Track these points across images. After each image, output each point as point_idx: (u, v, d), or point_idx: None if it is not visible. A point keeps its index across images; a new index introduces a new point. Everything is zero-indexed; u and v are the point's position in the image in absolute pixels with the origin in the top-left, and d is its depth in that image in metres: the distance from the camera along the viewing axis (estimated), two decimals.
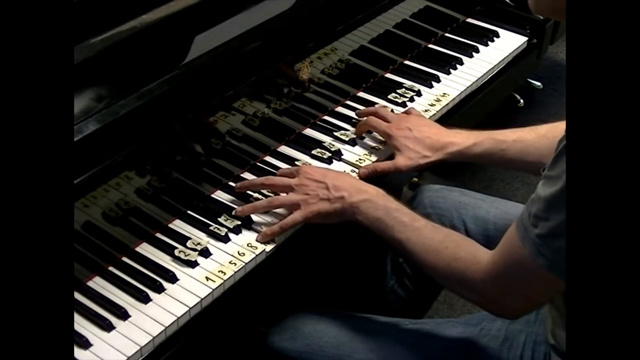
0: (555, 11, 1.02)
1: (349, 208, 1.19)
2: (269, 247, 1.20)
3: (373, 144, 1.41)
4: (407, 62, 1.65)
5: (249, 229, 1.23)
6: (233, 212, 1.24)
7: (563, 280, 0.91)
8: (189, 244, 1.19)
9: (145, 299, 1.12)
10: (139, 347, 1.06)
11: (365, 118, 1.43)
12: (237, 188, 1.28)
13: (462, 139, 1.33)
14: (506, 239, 1.02)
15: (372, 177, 1.33)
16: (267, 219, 1.24)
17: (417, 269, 1.20)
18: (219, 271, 1.16)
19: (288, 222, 1.20)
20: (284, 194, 1.24)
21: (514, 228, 0.99)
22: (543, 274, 0.94)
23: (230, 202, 1.28)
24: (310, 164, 1.34)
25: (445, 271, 1.09)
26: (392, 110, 1.48)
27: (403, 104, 1.52)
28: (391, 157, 1.37)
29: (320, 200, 1.20)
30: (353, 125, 1.45)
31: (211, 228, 1.22)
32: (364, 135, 1.43)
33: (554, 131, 1.25)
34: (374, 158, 1.38)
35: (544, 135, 1.27)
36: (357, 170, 1.35)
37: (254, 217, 1.24)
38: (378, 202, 1.18)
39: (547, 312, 1.15)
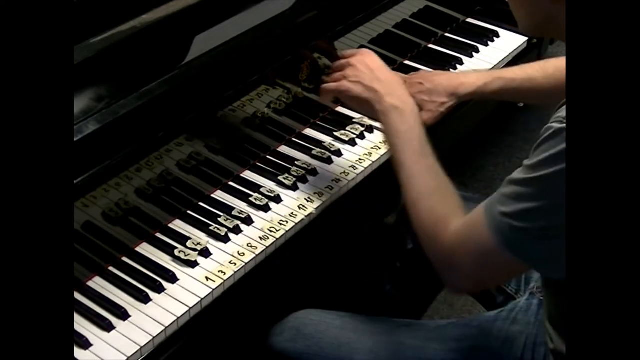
0: (538, 29, 1.02)
1: (378, 104, 1.20)
2: (269, 248, 1.21)
3: (373, 144, 1.42)
4: (407, 62, 1.65)
5: (249, 229, 1.23)
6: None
7: (516, 259, 0.93)
8: (189, 244, 1.19)
9: (145, 299, 1.12)
10: (139, 347, 1.06)
11: None
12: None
13: (473, 80, 1.38)
14: (474, 211, 1.01)
15: None
16: (267, 218, 1.25)
17: (413, 272, 1.20)
18: (219, 271, 1.16)
19: (325, 87, 1.27)
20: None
21: (482, 203, 0.99)
22: (495, 251, 0.95)
23: (231, 202, 1.28)
24: (310, 163, 1.35)
25: (420, 218, 1.08)
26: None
27: None
28: None
29: (357, 83, 1.23)
30: (353, 125, 1.45)
31: (211, 228, 1.22)
32: (364, 134, 1.43)
33: (561, 70, 1.26)
34: (374, 157, 1.38)
35: (552, 76, 1.32)
36: (357, 169, 1.35)
37: (254, 217, 1.24)
38: (408, 118, 1.18)
39: (544, 316, 1.15)
